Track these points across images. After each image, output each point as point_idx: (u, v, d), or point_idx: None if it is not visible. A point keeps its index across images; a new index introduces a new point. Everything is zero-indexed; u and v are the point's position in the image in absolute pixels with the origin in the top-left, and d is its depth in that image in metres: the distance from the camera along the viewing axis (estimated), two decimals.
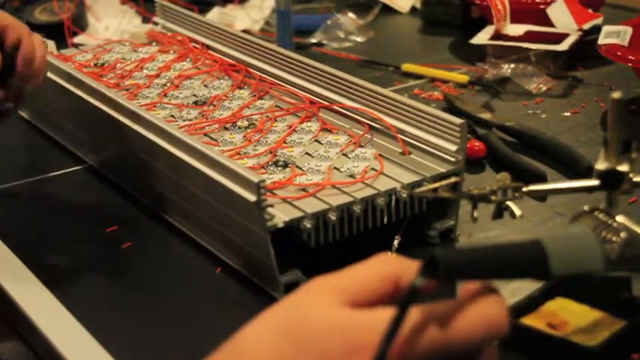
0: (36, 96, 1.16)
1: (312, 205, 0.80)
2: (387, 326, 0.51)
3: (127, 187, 1.00)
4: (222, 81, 1.10)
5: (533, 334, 0.69)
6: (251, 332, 0.52)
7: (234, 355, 0.52)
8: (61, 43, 1.33)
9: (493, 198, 0.74)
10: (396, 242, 0.85)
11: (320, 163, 0.88)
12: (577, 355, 0.67)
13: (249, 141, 0.93)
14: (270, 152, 0.91)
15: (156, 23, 1.31)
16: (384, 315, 0.51)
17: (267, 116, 0.99)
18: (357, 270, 0.55)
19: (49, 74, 1.06)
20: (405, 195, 0.82)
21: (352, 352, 0.50)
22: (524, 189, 0.74)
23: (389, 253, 0.54)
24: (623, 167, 0.70)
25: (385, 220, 0.83)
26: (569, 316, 0.71)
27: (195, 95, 1.06)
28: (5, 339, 0.93)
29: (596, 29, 1.29)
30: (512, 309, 0.72)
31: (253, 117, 0.99)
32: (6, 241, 0.91)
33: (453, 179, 0.84)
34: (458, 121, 0.85)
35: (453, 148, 0.85)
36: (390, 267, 0.55)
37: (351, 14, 1.57)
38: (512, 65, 1.29)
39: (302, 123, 0.97)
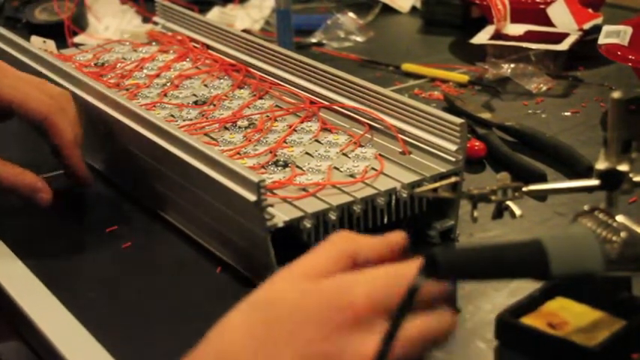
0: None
1: (312, 205, 0.80)
2: (387, 327, 0.51)
3: (127, 187, 1.00)
4: (222, 81, 1.10)
5: (533, 334, 0.69)
6: (227, 322, 0.56)
7: (214, 345, 0.55)
8: (61, 43, 1.33)
9: (493, 198, 0.74)
10: None
11: (320, 162, 0.88)
12: (577, 355, 0.67)
13: (249, 141, 0.93)
14: (270, 152, 0.91)
15: (156, 23, 1.31)
16: (329, 284, 0.55)
17: (268, 116, 0.99)
18: (317, 252, 0.58)
19: (49, 74, 1.06)
20: (405, 195, 0.82)
21: (320, 325, 0.53)
22: (524, 189, 0.74)
23: (347, 231, 0.57)
24: (623, 167, 0.70)
25: (385, 220, 0.83)
26: (569, 316, 0.71)
27: (195, 95, 1.06)
28: (5, 339, 0.93)
29: (597, 29, 1.29)
30: (513, 309, 0.72)
31: (253, 117, 0.99)
32: (6, 241, 0.91)
33: (453, 179, 0.84)
34: (458, 120, 0.85)
35: (453, 147, 0.85)
36: (346, 245, 0.58)
37: (351, 14, 1.57)
38: (513, 65, 1.29)
39: (302, 123, 0.97)
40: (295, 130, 0.96)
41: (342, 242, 0.58)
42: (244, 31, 1.34)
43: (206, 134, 0.96)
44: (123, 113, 0.95)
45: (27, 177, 0.90)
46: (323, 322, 0.53)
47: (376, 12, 1.66)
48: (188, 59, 1.17)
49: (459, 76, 1.30)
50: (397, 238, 0.60)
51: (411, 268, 0.55)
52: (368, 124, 0.95)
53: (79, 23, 1.51)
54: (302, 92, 1.03)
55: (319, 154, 0.90)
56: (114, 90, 1.03)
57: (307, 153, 0.91)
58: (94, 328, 0.76)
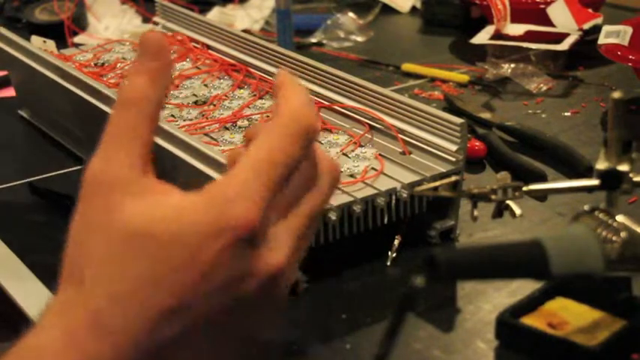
0: (37, 96, 1.16)
1: None
2: (387, 328, 0.51)
3: None
4: (222, 81, 1.10)
5: (533, 334, 0.70)
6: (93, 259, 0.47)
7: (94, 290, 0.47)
8: (61, 43, 1.33)
9: (493, 197, 0.74)
10: (396, 242, 0.85)
11: None
12: (577, 355, 0.67)
13: None
14: None
15: (156, 23, 1.31)
16: (201, 209, 0.47)
17: (268, 116, 0.99)
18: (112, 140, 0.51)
19: (49, 74, 1.06)
20: (405, 195, 0.82)
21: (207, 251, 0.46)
22: (525, 188, 0.74)
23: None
24: (624, 167, 0.70)
25: (385, 220, 0.83)
26: (569, 316, 0.71)
27: (195, 95, 1.06)
28: (4, 340, 0.93)
29: (596, 29, 1.29)
30: (513, 309, 0.72)
31: (254, 117, 0.99)
32: (6, 241, 0.91)
33: (453, 179, 0.84)
34: (458, 120, 0.85)
35: (453, 147, 0.85)
36: (140, 109, 0.52)
37: (351, 14, 1.57)
38: (513, 65, 1.29)
39: None
40: None
41: (128, 114, 0.52)
42: (244, 31, 1.34)
43: (206, 134, 0.96)
44: None
45: None
46: (206, 262, 0.46)
47: (376, 12, 1.66)
48: (188, 59, 1.17)
49: (459, 76, 1.30)
50: (153, 36, 0.52)
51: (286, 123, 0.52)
52: (368, 124, 0.95)
53: (79, 23, 1.51)
54: None
55: None
56: (114, 90, 1.03)
57: None
58: None
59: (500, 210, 0.74)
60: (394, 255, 0.84)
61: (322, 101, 1.00)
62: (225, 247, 0.47)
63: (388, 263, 0.83)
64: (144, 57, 0.51)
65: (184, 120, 0.99)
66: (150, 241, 0.47)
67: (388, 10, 1.69)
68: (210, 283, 0.47)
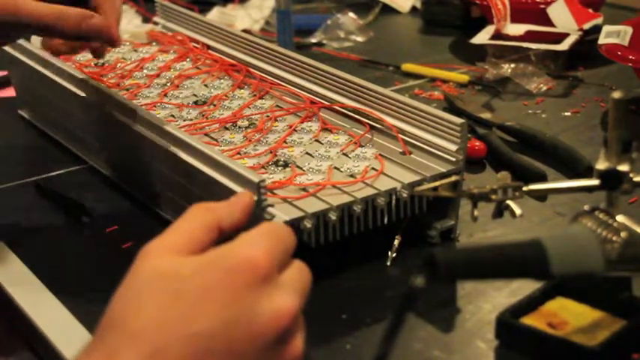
0: (37, 96, 1.16)
1: (312, 205, 0.80)
2: (387, 328, 0.51)
3: (127, 186, 1.00)
4: (222, 81, 1.10)
5: (533, 334, 0.70)
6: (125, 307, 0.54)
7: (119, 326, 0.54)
8: None
9: (493, 197, 0.74)
10: (396, 242, 0.85)
11: (320, 162, 0.88)
12: (577, 355, 0.67)
13: (250, 141, 0.93)
14: (271, 152, 0.91)
15: (156, 23, 1.31)
16: (216, 253, 0.55)
17: (268, 116, 0.99)
18: (179, 226, 0.57)
19: (49, 74, 1.06)
20: (405, 195, 0.82)
21: (224, 293, 0.53)
22: (525, 188, 0.74)
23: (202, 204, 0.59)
24: (624, 167, 0.70)
25: (385, 220, 0.83)
26: (569, 316, 0.71)
27: (195, 95, 1.06)
28: (6, 341, 0.93)
29: (597, 29, 1.29)
30: (513, 309, 0.72)
31: (253, 117, 0.99)
32: (6, 242, 0.91)
33: (453, 179, 0.84)
34: (458, 120, 0.85)
35: (454, 147, 0.85)
36: (208, 216, 0.58)
37: (351, 14, 1.57)
38: (513, 65, 1.29)
39: (302, 123, 0.97)
40: (295, 130, 0.96)
41: (203, 214, 0.58)
42: (244, 31, 1.34)
43: (206, 134, 0.96)
44: (123, 113, 0.95)
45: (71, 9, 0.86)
46: (226, 290, 0.53)
47: (376, 12, 1.66)
48: (188, 59, 1.17)
49: (459, 76, 1.30)
50: (246, 198, 0.62)
51: (277, 224, 0.60)
52: (368, 124, 0.95)
53: None
54: (302, 92, 1.03)
55: (319, 154, 0.90)
56: (114, 90, 1.03)
57: (307, 153, 0.91)
58: (94, 328, 0.76)
59: (500, 210, 0.74)
60: (394, 255, 0.84)
61: (322, 101, 1.01)
62: (244, 282, 0.53)
63: (388, 263, 0.83)
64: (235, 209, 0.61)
65: (184, 120, 0.99)
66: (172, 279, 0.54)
67: (388, 10, 1.69)
68: (229, 312, 0.52)
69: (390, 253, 0.84)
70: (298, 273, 0.57)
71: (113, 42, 0.89)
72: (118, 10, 0.89)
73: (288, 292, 0.54)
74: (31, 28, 0.85)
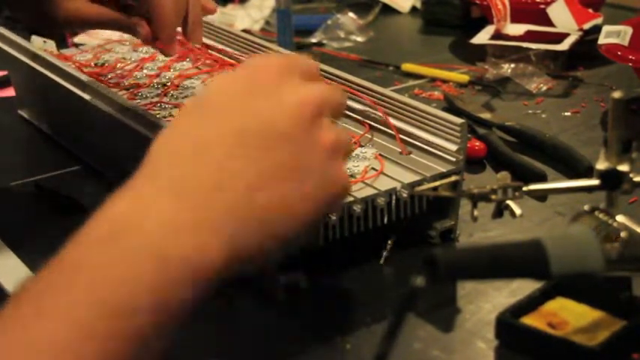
0: (37, 96, 1.16)
1: None
2: (387, 328, 0.51)
3: None
4: None
5: (533, 334, 0.70)
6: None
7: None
8: (61, 43, 1.33)
9: (493, 197, 0.74)
10: (390, 242, 0.84)
11: None
12: (577, 355, 0.67)
13: None
14: None
15: None
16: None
17: None
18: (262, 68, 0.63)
19: (49, 74, 1.06)
20: (405, 195, 0.82)
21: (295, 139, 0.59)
22: (525, 188, 0.74)
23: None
24: (624, 167, 0.70)
25: (385, 220, 0.83)
26: (569, 316, 0.71)
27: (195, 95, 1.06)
28: None
29: (597, 29, 1.29)
30: (513, 309, 0.72)
31: None
32: (6, 241, 0.91)
33: (453, 179, 0.84)
34: (458, 120, 0.85)
35: (454, 147, 0.85)
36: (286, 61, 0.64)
37: (351, 14, 1.57)
38: (513, 65, 1.29)
39: None
40: None
41: (281, 59, 0.63)
42: (244, 31, 1.34)
43: None
44: (123, 113, 0.95)
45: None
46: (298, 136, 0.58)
47: (376, 12, 1.67)
48: (188, 59, 1.17)
49: (459, 76, 1.30)
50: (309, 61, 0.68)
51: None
52: (368, 124, 0.95)
53: None
54: None
55: None
56: (114, 90, 1.03)
57: None
58: None
59: (500, 210, 0.74)
60: (386, 254, 0.83)
61: None
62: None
63: (381, 262, 0.83)
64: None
65: None
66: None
67: (388, 10, 1.69)
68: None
69: (383, 252, 0.84)
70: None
71: (164, 53, 0.93)
72: (169, 15, 0.91)
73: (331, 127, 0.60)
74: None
